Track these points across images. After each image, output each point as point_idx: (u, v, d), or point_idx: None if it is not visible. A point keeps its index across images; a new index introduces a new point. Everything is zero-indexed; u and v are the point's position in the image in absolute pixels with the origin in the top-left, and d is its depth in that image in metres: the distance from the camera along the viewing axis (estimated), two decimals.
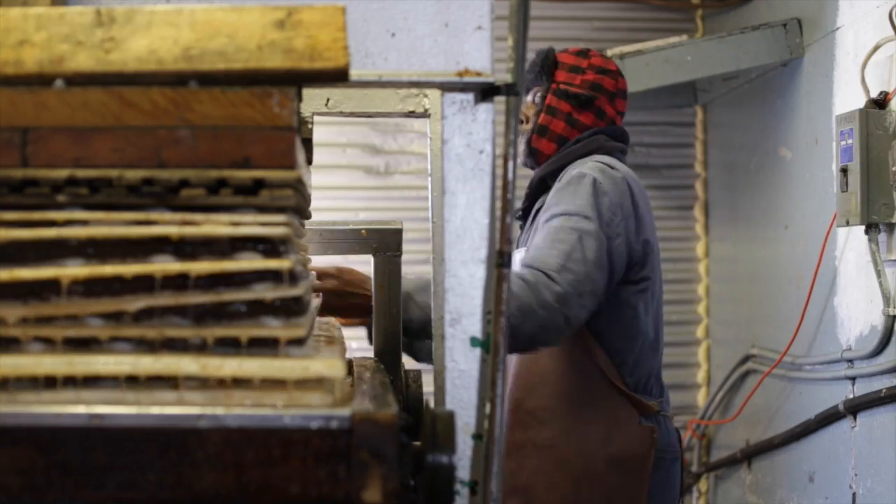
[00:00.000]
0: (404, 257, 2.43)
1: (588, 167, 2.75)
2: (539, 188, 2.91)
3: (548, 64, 2.97)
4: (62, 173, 1.45)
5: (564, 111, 2.93)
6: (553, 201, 2.72)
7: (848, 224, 3.58)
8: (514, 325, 2.49)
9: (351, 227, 2.38)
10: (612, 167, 2.77)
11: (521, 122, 2.85)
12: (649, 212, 2.82)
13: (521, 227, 2.97)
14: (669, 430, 2.80)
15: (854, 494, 3.72)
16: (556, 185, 2.77)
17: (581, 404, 2.73)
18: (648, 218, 2.79)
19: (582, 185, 2.69)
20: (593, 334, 2.74)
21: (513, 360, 2.77)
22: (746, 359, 4.70)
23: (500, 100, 1.77)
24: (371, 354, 2.43)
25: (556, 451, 2.73)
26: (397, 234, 2.38)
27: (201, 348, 1.41)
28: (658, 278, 2.82)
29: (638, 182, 2.82)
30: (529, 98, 2.96)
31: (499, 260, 1.71)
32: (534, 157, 2.93)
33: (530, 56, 2.86)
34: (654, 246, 2.80)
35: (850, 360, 3.79)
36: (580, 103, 2.92)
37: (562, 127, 2.92)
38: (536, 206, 2.91)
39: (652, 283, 2.79)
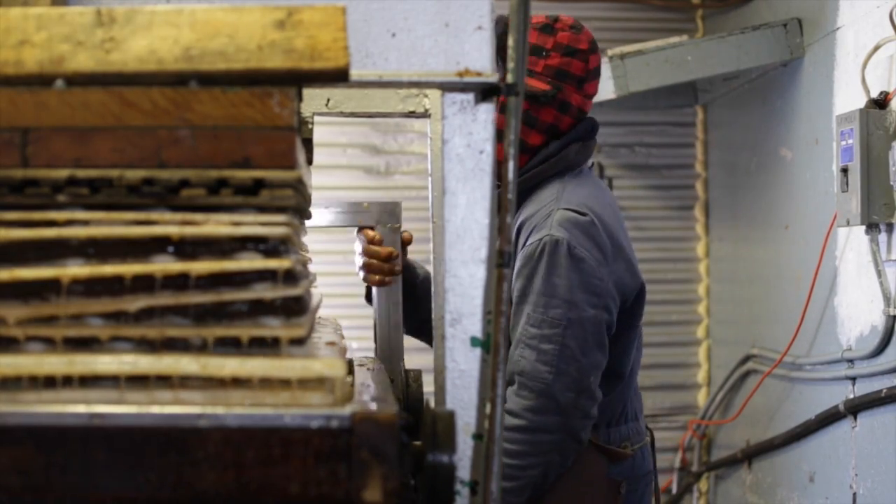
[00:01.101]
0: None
1: (557, 222, 2.44)
2: None
3: (504, 43, 2.56)
4: (62, 173, 1.45)
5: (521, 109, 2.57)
6: (526, 271, 2.43)
7: (848, 224, 3.58)
8: (543, 469, 2.39)
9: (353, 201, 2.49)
10: (580, 212, 2.46)
11: None
12: (625, 234, 2.58)
13: None
14: (645, 458, 2.61)
15: (854, 494, 3.72)
16: (528, 243, 2.46)
17: None
18: (629, 245, 2.56)
19: (556, 254, 2.41)
20: None
21: None
22: (747, 359, 4.70)
23: None
24: (371, 354, 2.43)
25: None
26: (397, 206, 2.43)
27: (202, 348, 1.41)
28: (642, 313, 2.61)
29: (606, 206, 2.55)
30: None
31: (499, 260, 1.71)
32: None
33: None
34: (643, 281, 2.57)
35: (851, 361, 3.79)
36: (540, 101, 2.55)
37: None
38: None
39: (639, 324, 2.59)
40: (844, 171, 3.56)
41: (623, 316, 2.53)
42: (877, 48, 3.53)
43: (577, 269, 2.42)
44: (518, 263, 2.46)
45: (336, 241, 4.90)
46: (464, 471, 1.72)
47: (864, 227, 3.55)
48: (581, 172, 2.63)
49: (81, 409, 1.33)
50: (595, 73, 2.63)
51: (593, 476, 2.52)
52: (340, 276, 4.82)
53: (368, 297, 2.51)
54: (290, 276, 1.44)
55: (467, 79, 1.72)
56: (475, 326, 1.74)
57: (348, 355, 2.02)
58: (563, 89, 2.57)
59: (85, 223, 1.45)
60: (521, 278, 2.45)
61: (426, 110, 2.14)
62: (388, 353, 2.38)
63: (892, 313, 3.49)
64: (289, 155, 1.47)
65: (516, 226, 2.52)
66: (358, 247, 2.44)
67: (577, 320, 2.41)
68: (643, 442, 2.64)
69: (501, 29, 2.20)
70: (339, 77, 1.49)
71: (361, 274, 2.45)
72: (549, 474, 2.45)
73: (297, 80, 1.48)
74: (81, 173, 1.45)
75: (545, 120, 2.58)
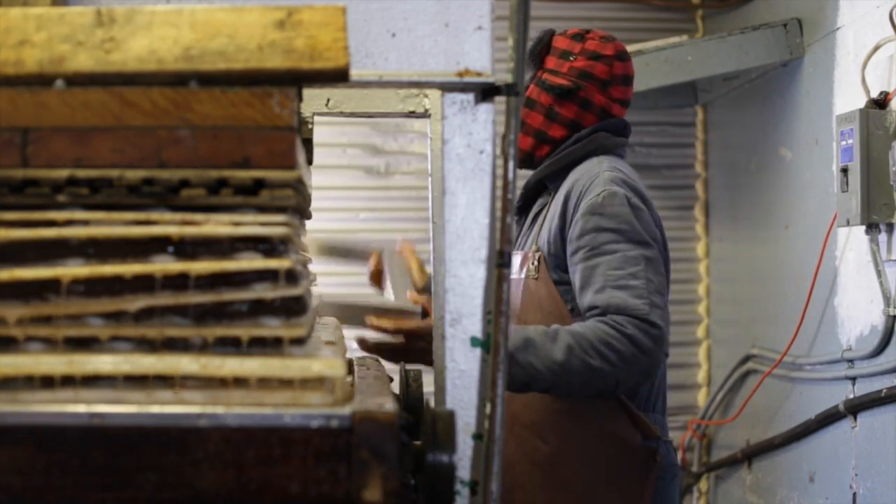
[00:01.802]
0: None
1: (607, 179, 2.60)
2: (536, 189, 2.79)
3: (539, 48, 2.79)
4: (62, 173, 1.45)
5: (544, 104, 2.75)
6: (590, 226, 2.56)
7: (848, 224, 3.58)
8: (616, 375, 2.44)
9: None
10: (628, 178, 2.64)
11: None
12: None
13: (519, 230, 2.83)
14: (669, 451, 2.68)
15: (854, 494, 3.72)
16: (582, 203, 2.59)
17: (583, 421, 2.59)
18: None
19: (617, 205, 2.57)
20: None
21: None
22: (747, 359, 4.70)
23: (501, 99, 1.77)
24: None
25: (556, 469, 2.60)
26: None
27: (202, 348, 1.41)
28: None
29: (639, 180, 2.72)
30: None
31: (499, 260, 1.71)
32: None
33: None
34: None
35: (851, 360, 3.79)
36: (561, 95, 2.74)
37: (539, 121, 2.75)
38: (535, 208, 2.80)
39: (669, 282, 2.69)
40: (844, 171, 3.56)
41: None
42: (877, 48, 3.53)
43: (637, 217, 2.57)
44: (580, 221, 2.57)
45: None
46: (464, 471, 1.72)
47: (864, 227, 3.54)
48: (614, 156, 2.78)
49: (81, 408, 1.33)
50: (622, 80, 2.80)
51: (629, 444, 2.60)
52: (340, 276, 4.83)
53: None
54: (290, 276, 1.44)
55: (467, 79, 1.72)
56: (475, 326, 1.75)
57: (348, 355, 2.02)
58: (585, 88, 2.75)
59: (85, 223, 1.45)
60: (589, 233, 2.56)
61: (426, 110, 2.14)
62: None
63: (892, 313, 3.49)
64: (289, 155, 1.47)
65: (562, 196, 2.65)
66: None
67: (652, 258, 2.54)
68: (669, 439, 2.72)
69: (540, 37, 2.69)
70: (339, 77, 1.49)
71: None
72: (612, 388, 2.49)
73: (297, 80, 1.48)
74: (81, 173, 1.45)
75: (566, 115, 2.75)
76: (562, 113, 2.75)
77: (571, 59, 2.77)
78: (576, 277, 2.56)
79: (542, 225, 2.72)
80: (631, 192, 2.60)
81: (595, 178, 2.62)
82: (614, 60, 2.78)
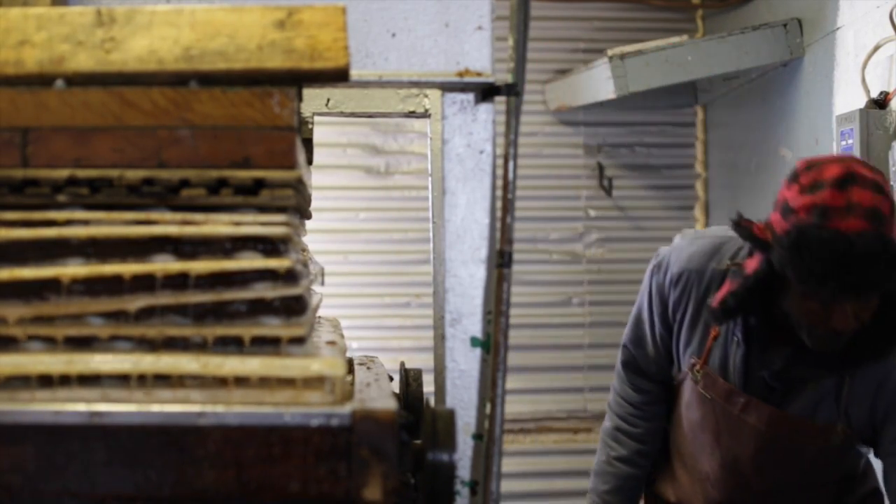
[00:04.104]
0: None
1: None
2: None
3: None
4: (62, 173, 1.45)
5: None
6: None
7: None
8: None
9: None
10: None
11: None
12: None
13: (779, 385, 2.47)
14: None
15: None
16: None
17: None
18: None
19: None
20: None
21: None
22: None
23: (501, 100, 1.78)
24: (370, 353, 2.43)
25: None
26: None
27: (202, 347, 1.41)
28: None
29: None
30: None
31: (499, 260, 1.72)
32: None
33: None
34: None
35: None
36: None
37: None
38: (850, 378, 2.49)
39: None
40: None
41: None
42: (877, 48, 3.53)
43: None
44: None
45: (336, 241, 4.90)
46: (464, 471, 1.72)
47: None
48: None
49: (81, 407, 1.33)
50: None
51: None
52: (340, 276, 4.83)
53: None
54: (290, 276, 1.44)
55: (467, 79, 1.72)
56: (475, 326, 1.75)
57: (348, 355, 2.02)
58: None
59: (85, 223, 1.45)
60: None
61: (426, 110, 2.14)
62: None
63: None
64: (289, 155, 1.47)
65: (875, 382, 2.49)
66: None
67: None
68: None
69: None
70: (339, 77, 1.49)
71: None
72: None
73: (297, 80, 1.48)
74: (81, 173, 1.46)
75: None
76: None
77: None
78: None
79: (844, 400, 2.51)
80: None
81: None
82: None
